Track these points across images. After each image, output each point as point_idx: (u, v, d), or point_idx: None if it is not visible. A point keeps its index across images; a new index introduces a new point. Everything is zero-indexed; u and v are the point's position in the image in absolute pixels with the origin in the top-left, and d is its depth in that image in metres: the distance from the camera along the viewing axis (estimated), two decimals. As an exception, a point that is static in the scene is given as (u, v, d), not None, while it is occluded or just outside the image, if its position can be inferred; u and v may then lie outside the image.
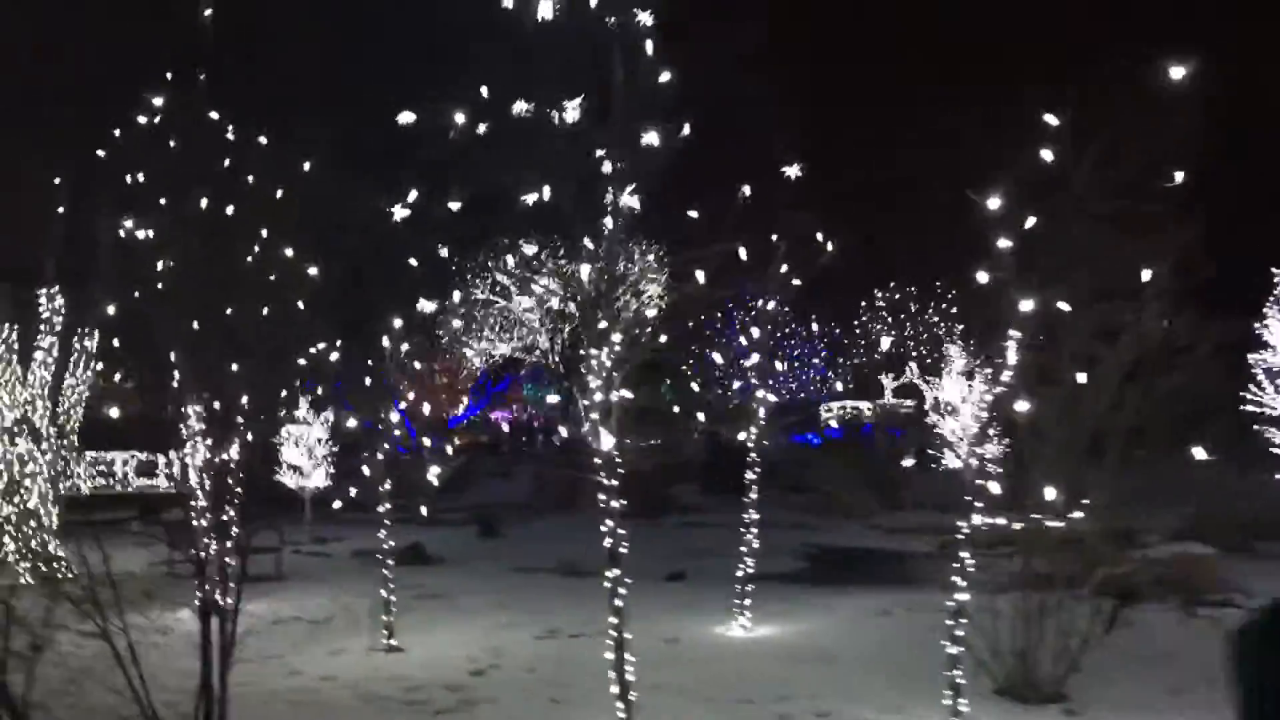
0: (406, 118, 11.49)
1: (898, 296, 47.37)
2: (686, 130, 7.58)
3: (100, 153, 15.18)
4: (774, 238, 10.46)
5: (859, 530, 22.32)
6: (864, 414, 49.08)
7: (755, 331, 11.95)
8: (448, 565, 18.68)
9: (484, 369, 44.23)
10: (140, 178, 14.15)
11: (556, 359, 41.01)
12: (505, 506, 28.12)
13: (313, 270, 14.08)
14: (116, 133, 14.85)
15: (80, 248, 17.70)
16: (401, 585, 12.42)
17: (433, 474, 11.42)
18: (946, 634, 8.12)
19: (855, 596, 14.01)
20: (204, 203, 13.91)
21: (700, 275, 8.06)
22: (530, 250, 38.91)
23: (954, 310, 48.12)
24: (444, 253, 15.41)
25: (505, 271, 40.78)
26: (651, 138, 7.14)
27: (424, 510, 11.47)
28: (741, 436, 12.57)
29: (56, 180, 15.56)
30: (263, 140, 14.27)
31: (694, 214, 8.61)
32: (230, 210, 14.01)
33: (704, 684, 9.51)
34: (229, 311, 14.24)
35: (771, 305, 11.58)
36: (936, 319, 48.76)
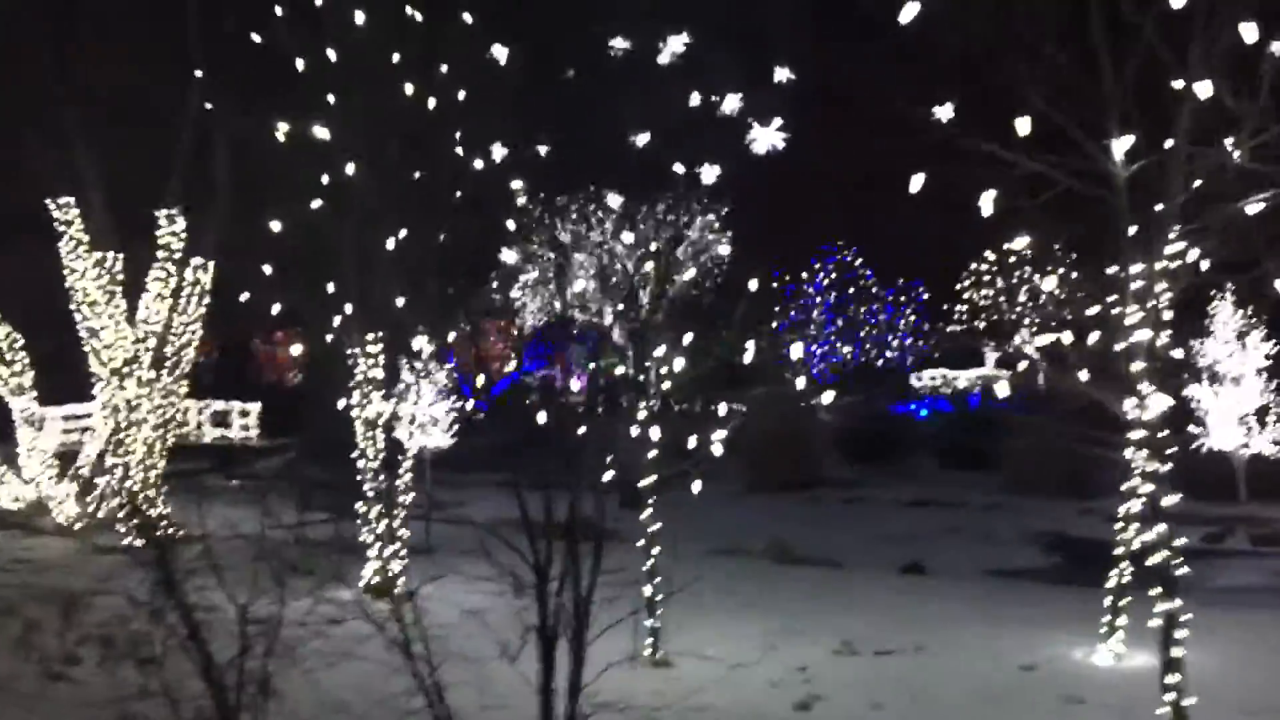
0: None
1: (1012, 259, 43.54)
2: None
3: (255, 36, 12.64)
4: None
5: (1067, 515, 19.05)
6: (958, 384, 46.02)
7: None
8: (622, 544, 16.10)
9: (537, 328, 41.90)
10: (331, 54, 11.61)
11: (626, 321, 38.27)
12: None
13: (517, 184, 11.53)
14: (278, 10, 12.31)
15: (203, 164, 15.18)
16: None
17: (717, 438, 8.83)
18: None
19: (1217, 609, 10.93)
20: (409, 89, 11.39)
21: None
22: (616, 201, 36.35)
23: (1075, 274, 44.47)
24: (521, 200, 12.85)
25: (587, 219, 38.21)
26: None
27: (696, 485, 8.94)
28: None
29: (198, 73, 12.93)
30: (467, 18, 11.71)
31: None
32: (432, 103, 11.51)
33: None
34: (402, 233, 11.72)
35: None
36: (1055, 288, 45.08)
